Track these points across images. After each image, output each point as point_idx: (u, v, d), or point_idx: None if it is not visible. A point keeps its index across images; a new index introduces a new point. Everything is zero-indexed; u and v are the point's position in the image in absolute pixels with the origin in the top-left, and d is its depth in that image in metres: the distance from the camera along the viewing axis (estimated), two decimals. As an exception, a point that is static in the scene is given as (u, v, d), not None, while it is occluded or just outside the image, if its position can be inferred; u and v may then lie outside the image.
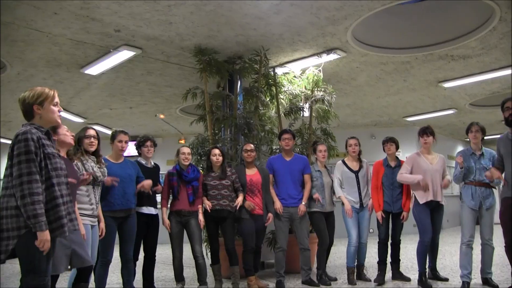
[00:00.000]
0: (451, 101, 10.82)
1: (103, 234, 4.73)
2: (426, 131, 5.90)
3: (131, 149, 5.99)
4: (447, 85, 9.29)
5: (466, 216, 5.46)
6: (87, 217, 4.44)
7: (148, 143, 5.74)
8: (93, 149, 4.63)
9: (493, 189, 5.56)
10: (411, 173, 5.81)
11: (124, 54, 6.95)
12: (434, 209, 5.78)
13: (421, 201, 5.70)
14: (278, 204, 6.00)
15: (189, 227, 5.70)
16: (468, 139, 5.76)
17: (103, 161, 4.75)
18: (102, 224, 4.73)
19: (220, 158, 5.86)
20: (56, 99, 3.27)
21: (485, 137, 5.64)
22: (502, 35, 6.75)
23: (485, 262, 5.51)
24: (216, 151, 5.89)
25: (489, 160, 5.49)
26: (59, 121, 3.35)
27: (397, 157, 6.26)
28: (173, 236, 5.72)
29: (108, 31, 6.22)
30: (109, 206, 4.95)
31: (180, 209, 5.67)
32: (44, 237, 2.93)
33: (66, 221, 3.12)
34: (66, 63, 7.38)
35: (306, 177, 6.16)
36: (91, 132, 4.68)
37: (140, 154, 5.82)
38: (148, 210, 5.59)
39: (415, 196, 5.82)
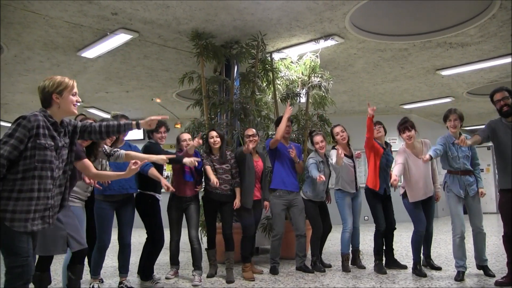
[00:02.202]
0: (448, 89, 10.80)
1: None
2: (406, 125, 5.73)
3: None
4: (444, 73, 9.28)
5: (454, 207, 5.46)
6: (80, 200, 4.49)
7: (162, 129, 5.60)
8: (106, 146, 4.70)
9: (477, 177, 5.57)
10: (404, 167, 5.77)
11: (121, 38, 6.91)
12: (425, 199, 5.79)
13: (411, 199, 5.68)
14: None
15: (188, 212, 5.72)
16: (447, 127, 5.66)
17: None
18: None
19: (218, 140, 5.76)
20: (75, 89, 3.28)
21: (479, 126, 5.63)
22: (502, 23, 6.73)
23: (480, 250, 5.53)
24: (213, 133, 5.80)
25: (469, 149, 5.52)
26: (76, 111, 3.32)
27: (386, 142, 6.26)
28: (172, 220, 5.74)
29: (105, 14, 6.18)
30: (104, 190, 4.96)
31: (184, 195, 5.67)
32: None
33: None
34: (63, 46, 7.34)
35: (300, 163, 6.21)
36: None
37: (150, 138, 5.69)
38: (158, 196, 5.59)
39: (405, 194, 5.80)
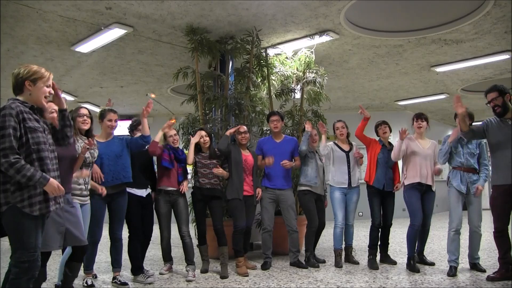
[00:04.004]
0: (443, 85, 10.81)
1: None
2: (421, 116, 5.99)
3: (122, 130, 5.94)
4: (439, 69, 9.28)
5: (454, 201, 5.52)
6: (75, 196, 4.45)
7: (141, 126, 5.63)
8: (86, 127, 4.72)
9: (480, 175, 5.60)
10: (404, 154, 5.88)
11: (115, 32, 6.87)
12: (424, 193, 5.83)
13: (408, 181, 5.76)
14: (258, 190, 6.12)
15: (177, 207, 5.73)
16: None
17: (95, 142, 4.76)
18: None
19: (207, 139, 5.86)
20: (50, 82, 3.27)
21: (476, 123, 5.65)
22: (496, 20, 6.73)
23: (473, 248, 5.60)
24: (203, 132, 5.89)
25: (476, 147, 5.58)
26: (45, 104, 3.33)
27: (389, 142, 6.30)
28: (161, 216, 5.73)
29: (99, 9, 6.14)
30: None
31: (169, 188, 5.68)
32: (51, 187, 3.04)
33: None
34: (57, 40, 7.29)
35: (296, 159, 6.21)
36: (84, 111, 4.76)
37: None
38: (139, 192, 5.58)
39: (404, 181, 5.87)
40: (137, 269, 5.58)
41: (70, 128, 3.54)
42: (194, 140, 5.83)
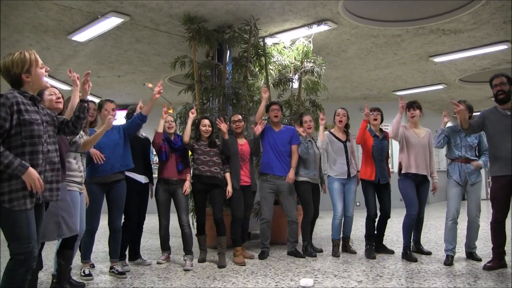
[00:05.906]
0: (441, 76, 10.81)
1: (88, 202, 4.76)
2: (413, 105, 5.93)
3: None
4: (437, 59, 9.28)
5: (452, 191, 5.54)
6: (76, 184, 4.44)
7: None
8: (91, 119, 4.86)
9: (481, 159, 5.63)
10: (401, 145, 5.87)
11: (112, 21, 6.84)
12: (420, 183, 5.83)
13: (404, 170, 5.78)
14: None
15: (176, 196, 5.73)
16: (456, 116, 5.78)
17: (87, 130, 4.77)
18: (85, 192, 4.73)
19: (210, 129, 5.82)
20: (40, 61, 3.17)
21: (474, 113, 5.65)
22: (495, 10, 6.72)
23: (471, 238, 5.62)
24: (206, 121, 5.85)
25: (475, 138, 5.59)
26: (47, 84, 3.26)
27: (381, 129, 6.26)
28: (160, 204, 5.73)
29: (96, -3, 6.11)
30: (93, 172, 4.95)
31: (169, 177, 5.69)
32: (30, 177, 2.90)
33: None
34: (53, 29, 7.25)
35: (294, 147, 6.16)
36: (91, 104, 4.81)
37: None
38: (139, 177, 5.61)
39: (400, 170, 5.86)
40: (135, 254, 5.74)
41: (84, 121, 3.49)
42: (192, 116, 5.78)
